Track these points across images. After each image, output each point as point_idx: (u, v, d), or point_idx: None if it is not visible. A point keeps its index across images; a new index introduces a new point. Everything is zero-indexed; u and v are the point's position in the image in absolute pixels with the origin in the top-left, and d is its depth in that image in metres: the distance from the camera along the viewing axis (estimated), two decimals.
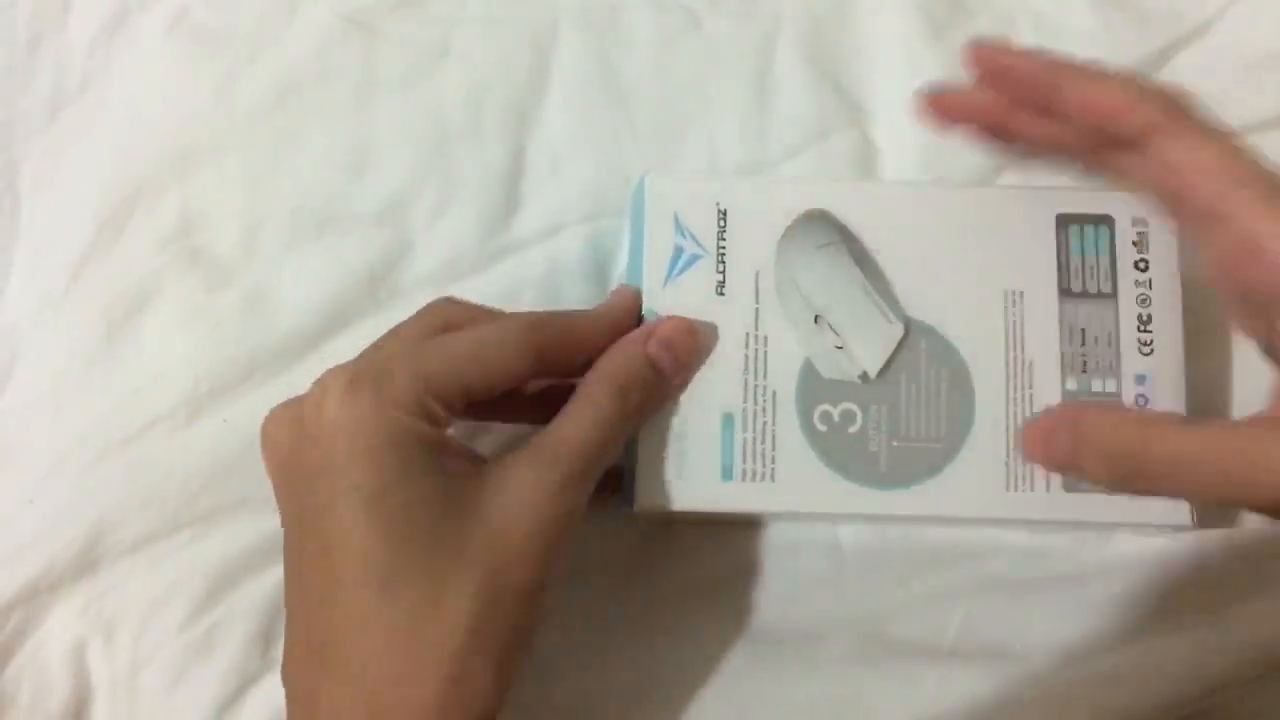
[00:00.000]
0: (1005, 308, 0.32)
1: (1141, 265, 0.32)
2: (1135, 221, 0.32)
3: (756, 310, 0.32)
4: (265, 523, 0.35)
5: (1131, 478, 0.26)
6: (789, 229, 0.32)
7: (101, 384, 0.37)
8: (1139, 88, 0.28)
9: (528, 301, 0.37)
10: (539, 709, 0.34)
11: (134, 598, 0.35)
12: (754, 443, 0.31)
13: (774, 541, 0.35)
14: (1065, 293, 0.31)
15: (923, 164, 0.38)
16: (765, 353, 0.32)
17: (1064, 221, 0.32)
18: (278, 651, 0.35)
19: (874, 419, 0.31)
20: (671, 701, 0.34)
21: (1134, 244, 0.32)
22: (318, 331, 0.37)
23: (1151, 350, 0.31)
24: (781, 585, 0.35)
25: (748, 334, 0.32)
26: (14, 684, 0.35)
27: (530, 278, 0.37)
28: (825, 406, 0.31)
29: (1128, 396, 0.31)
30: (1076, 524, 0.32)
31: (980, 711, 0.33)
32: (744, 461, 0.31)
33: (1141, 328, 0.31)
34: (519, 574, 0.27)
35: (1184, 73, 0.39)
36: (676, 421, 0.31)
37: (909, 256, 0.32)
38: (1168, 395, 0.31)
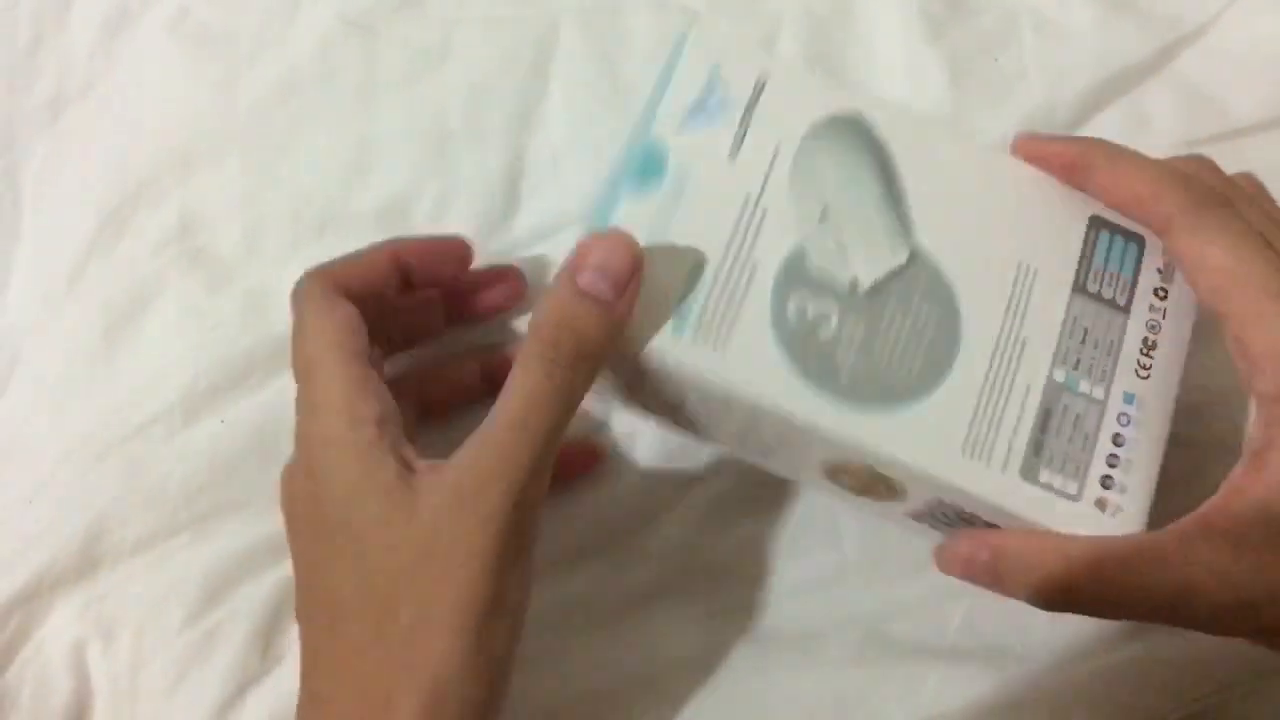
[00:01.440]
0: (1016, 277, 0.30)
1: (1160, 294, 0.30)
2: (1166, 252, 0.31)
3: (765, 181, 0.30)
4: (265, 523, 0.35)
5: (1055, 608, 0.27)
6: (824, 121, 0.30)
7: (102, 384, 0.37)
8: (1165, 176, 0.28)
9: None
10: (531, 707, 0.34)
11: (134, 599, 0.35)
12: (717, 305, 0.28)
13: (774, 538, 0.35)
14: (1079, 289, 0.30)
15: None
16: (760, 225, 0.29)
17: (1097, 224, 0.31)
18: (278, 652, 0.35)
19: (849, 331, 0.29)
20: (670, 700, 0.34)
21: (1159, 271, 0.30)
22: None
23: (1148, 376, 0.30)
24: (782, 583, 0.35)
25: (748, 198, 0.29)
26: (15, 684, 0.35)
27: (531, 277, 0.37)
28: (804, 297, 0.29)
29: (1112, 411, 0.30)
30: (1017, 519, 0.29)
31: (981, 710, 0.33)
32: (700, 320, 0.28)
33: (1144, 351, 0.30)
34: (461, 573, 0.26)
35: (1184, 73, 0.39)
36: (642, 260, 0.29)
37: (934, 195, 0.30)
38: (1151, 423, 0.29)
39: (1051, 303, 0.30)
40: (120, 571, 0.35)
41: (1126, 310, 0.30)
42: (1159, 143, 0.38)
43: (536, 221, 0.38)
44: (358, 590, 0.27)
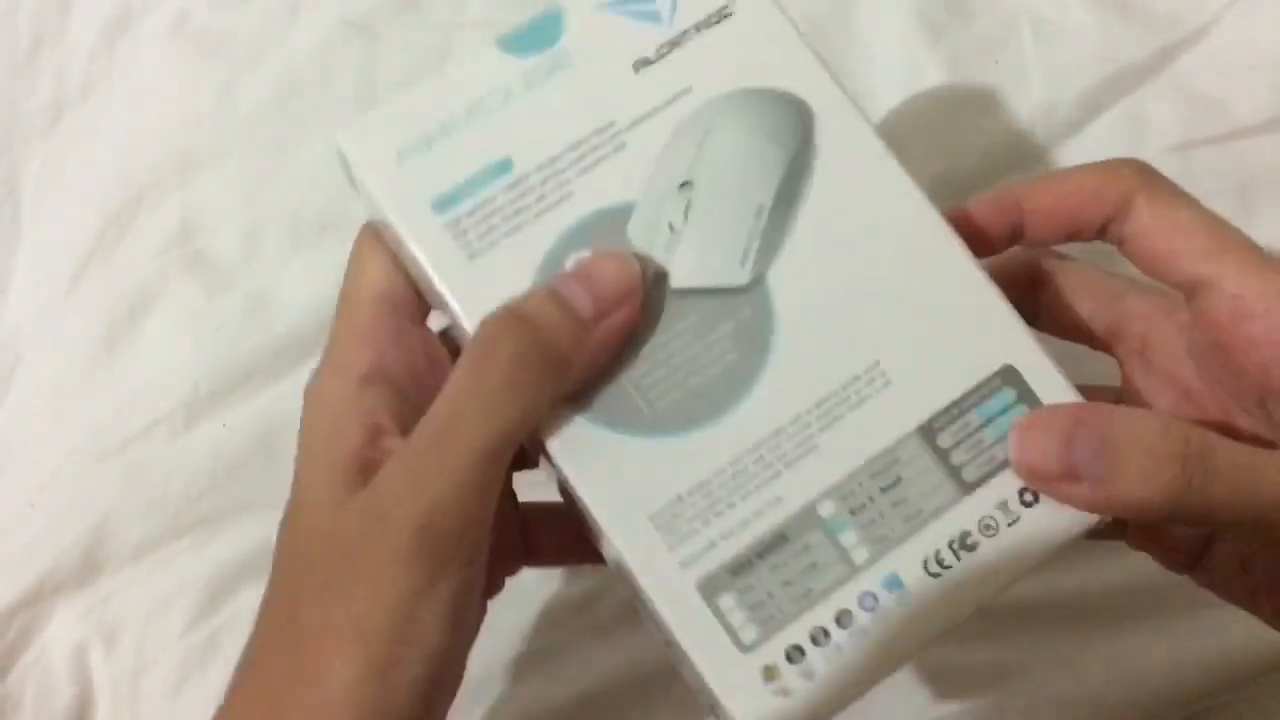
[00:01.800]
0: (858, 376, 0.23)
1: (1026, 500, 0.23)
2: (1026, 485, 0.23)
3: (646, 114, 0.24)
4: (267, 527, 0.35)
5: (1187, 498, 0.21)
6: (765, 91, 0.25)
7: (103, 388, 0.37)
8: (1111, 164, 0.26)
9: None
10: (529, 708, 0.34)
11: (136, 603, 0.35)
12: (495, 212, 0.24)
13: None
14: (927, 434, 0.23)
15: (921, 167, 0.38)
16: (606, 157, 0.24)
17: (1005, 376, 0.24)
18: None
19: None
20: (666, 703, 0.34)
21: (1017, 496, 0.23)
22: (317, 334, 0.37)
23: (938, 575, 0.23)
24: None
25: (615, 122, 0.24)
26: (18, 688, 0.35)
27: None
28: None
29: (859, 585, 0.22)
30: (665, 630, 0.23)
31: (981, 710, 0.33)
32: (471, 215, 0.23)
33: (956, 546, 0.23)
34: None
35: (1184, 74, 0.39)
36: (457, 113, 0.24)
37: (833, 238, 0.24)
38: (899, 631, 0.22)
39: (879, 427, 0.23)
40: (122, 575, 0.35)
41: (969, 491, 0.23)
42: (1159, 143, 0.38)
43: None
44: (281, 572, 0.23)
